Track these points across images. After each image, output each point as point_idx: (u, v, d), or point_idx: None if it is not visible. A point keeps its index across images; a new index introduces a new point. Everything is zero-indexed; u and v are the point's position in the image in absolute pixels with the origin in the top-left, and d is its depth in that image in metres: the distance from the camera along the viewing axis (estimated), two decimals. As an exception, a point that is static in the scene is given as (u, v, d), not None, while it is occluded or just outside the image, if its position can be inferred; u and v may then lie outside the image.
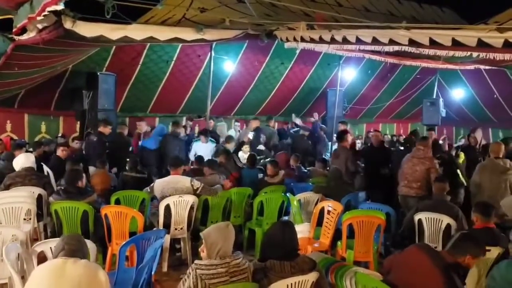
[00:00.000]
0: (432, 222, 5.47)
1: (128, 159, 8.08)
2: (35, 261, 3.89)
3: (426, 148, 6.85)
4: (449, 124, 15.99)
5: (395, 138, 15.51)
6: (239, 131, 12.46)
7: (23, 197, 5.66)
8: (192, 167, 8.33)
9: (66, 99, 11.02)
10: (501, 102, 14.48)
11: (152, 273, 4.36)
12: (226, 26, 7.48)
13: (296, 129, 12.13)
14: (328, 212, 5.91)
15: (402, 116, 17.79)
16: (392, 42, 5.97)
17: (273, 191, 6.90)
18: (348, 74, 14.02)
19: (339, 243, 5.69)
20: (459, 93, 15.37)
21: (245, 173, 7.96)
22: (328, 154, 11.26)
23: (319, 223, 6.02)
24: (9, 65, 7.13)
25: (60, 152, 8.05)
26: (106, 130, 8.69)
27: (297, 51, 9.25)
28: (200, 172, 7.24)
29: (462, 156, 8.42)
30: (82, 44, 7.10)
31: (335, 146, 10.87)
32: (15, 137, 10.78)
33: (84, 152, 8.88)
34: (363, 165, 8.77)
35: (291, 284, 3.29)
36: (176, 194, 5.98)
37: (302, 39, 7.13)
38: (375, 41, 6.16)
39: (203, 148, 9.70)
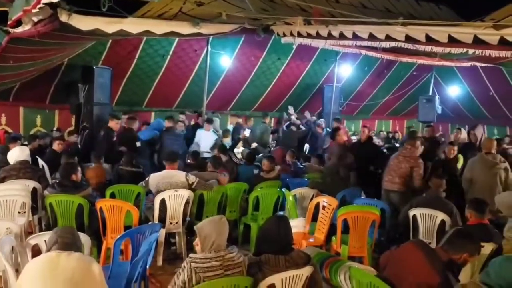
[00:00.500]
0: (427, 218, 5.49)
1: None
2: (29, 254, 3.88)
3: (413, 148, 6.88)
4: (445, 121, 16.04)
5: (390, 135, 15.58)
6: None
7: (17, 190, 5.63)
8: (188, 161, 8.33)
9: (62, 92, 10.98)
10: (496, 99, 14.53)
11: (147, 267, 4.37)
12: (222, 20, 7.45)
13: (287, 123, 12.00)
14: (323, 207, 5.92)
15: (398, 113, 17.84)
16: (388, 38, 5.97)
17: (268, 186, 6.91)
18: (345, 70, 14.04)
19: (333, 238, 5.71)
20: (455, 90, 15.40)
21: (242, 170, 7.96)
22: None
23: (314, 218, 6.04)
24: (4, 58, 7.10)
25: (56, 146, 8.03)
26: (114, 124, 8.58)
27: (294, 46, 9.25)
28: (195, 167, 7.23)
29: (461, 160, 8.29)
30: (77, 38, 7.06)
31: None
32: (10, 130, 10.73)
33: (80, 146, 8.86)
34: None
35: (286, 278, 3.30)
36: (171, 189, 5.98)
37: (299, 34, 7.12)
38: (371, 37, 6.16)
39: (205, 137, 9.75)
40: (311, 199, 6.49)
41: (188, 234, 6.16)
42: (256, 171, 7.83)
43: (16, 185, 5.87)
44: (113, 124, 8.54)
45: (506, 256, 3.62)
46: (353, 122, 17.19)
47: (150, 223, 5.77)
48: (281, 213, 6.54)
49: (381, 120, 18.09)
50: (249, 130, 11.67)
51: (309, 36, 7.11)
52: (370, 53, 9.87)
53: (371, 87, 15.81)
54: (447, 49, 6.02)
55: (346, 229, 5.51)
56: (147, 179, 6.30)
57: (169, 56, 11.47)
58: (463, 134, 9.63)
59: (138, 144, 8.76)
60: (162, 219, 5.88)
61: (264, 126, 11.19)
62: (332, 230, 5.75)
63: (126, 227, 5.31)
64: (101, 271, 3.11)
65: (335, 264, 4.16)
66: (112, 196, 6.14)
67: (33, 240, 3.98)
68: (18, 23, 6.16)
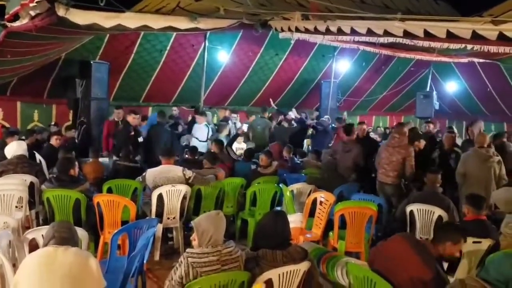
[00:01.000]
0: (424, 214, 5.50)
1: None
2: (27, 248, 3.87)
3: (401, 136, 6.86)
4: (442, 117, 16.05)
5: (387, 131, 15.57)
6: (234, 122, 12.44)
7: (15, 185, 5.61)
8: (186, 156, 8.31)
9: (59, 87, 10.97)
10: (494, 95, 14.56)
11: (144, 261, 4.36)
12: (220, 15, 7.43)
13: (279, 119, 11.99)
14: (321, 203, 5.92)
15: (396, 109, 17.85)
16: (387, 33, 5.96)
17: (266, 182, 6.91)
18: (342, 66, 14.05)
19: (331, 233, 5.71)
20: (452, 86, 15.43)
21: (240, 166, 7.95)
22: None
23: (312, 214, 6.04)
24: (1, 52, 7.08)
25: (54, 140, 8.01)
26: (131, 119, 8.76)
27: (292, 42, 9.25)
28: (193, 162, 7.22)
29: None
30: (75, 32, 7.04)
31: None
32: (7, 125, 10.71)
33: (77, 140, 8.85)
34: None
35: (283, 273, 3.29)
36: (168, 184, 5.98)
37: (297, 30, 7.11)
38: (370, 32, 6.14)
39: (198, 129, 9.83)
40: (309, 194, 6.49)
41: (185, 229, 6.16)
42: (253, 167, 7.83)
43: (13, 179, 5.84)
44: (131, 119, 8.78)
45: (504, 252, 3.64)
46: (350, 118, 17.19)
47: (147, 218, 5.77)
48: (278, 208, 6.54)
49: (379, 116, 18.10)
50: (246, 125, 11.63)
51: (307, 31, 7.09)
52: (368, 49, 9.88)
53: (369, 82, 15.82)
54: (446, 45, 6.01)
55: (343, 224, 5.51)
56: (144, 174, 6.29)
57: (166, 51, 11.46)
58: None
59: (140, 139, 8.90)
60: (160, 214, 5.87)
61: (265, 122, 11.07)
62: (329, 226, 5.76)
63: (123, 222, 5.29)
64: (98, 265, 3.11)
65: (332, 260, 4.16)
66: (109, 191, 6.13)
67: (30, 235, 3.97)
68: (16, 17, 6.14)
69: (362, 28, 6.19)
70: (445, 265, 4.37)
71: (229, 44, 12.02)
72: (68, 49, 9.61)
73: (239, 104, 14.67)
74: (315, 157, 8.65)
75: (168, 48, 11.36)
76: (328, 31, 6.69)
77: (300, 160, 9.21)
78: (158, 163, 6.41)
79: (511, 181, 6.65)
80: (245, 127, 11.55)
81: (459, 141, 9.05)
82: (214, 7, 7.26)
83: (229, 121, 11.23)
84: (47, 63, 9.70)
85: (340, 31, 6.55)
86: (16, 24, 6.22)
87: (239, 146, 9.84)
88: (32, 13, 5.83)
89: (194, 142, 9.57)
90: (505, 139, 8.44)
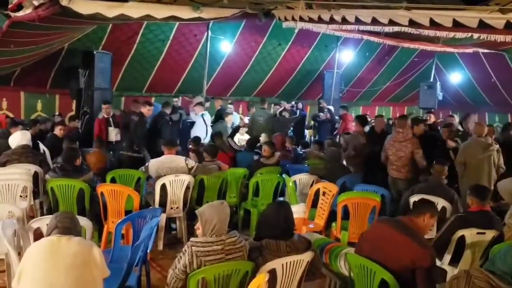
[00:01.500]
0: (427, 205, 5.48)
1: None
2: (32, 237, 3.89)
3: (404, 129, 6.82)
4: (446, 107, 15.97)
5: (391, 121, 15.53)
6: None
7: (19, 174, 5.62)
8: (190, 147, 8.31)
9: (62, 77, 10.95)
10: (498, 86, 14.47)
11: (148, 251, 4.38)
12: (223, 4, 7.39)
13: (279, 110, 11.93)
14: (323, 193, 5.92)
15: (399, 99, 17.79)
16: (392, 22, 5.90)
17: (268, 172, 6.91)
18: (346, 56, 13.98)
19: (333, 224, 5.72)
20: (456, 77, 15.35)
21: (242, 156, 7.94)
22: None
23: (314, 204, 6.03)
24: (5, 42, 7.05)
25: (58, 131, 8.02)
26: (146, 110, 8.79)
27: (295, 31, 9.19)
28: (196, 153, 7.22)
29: None
30: (78, 22, 7.02)
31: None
32: (11, 115, 10.75)
33: (80, 131, 8.85)
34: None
35: (287, 263, 3.30)
36: (171, 173, 5.98)
37: (301, 19, 7.06)
38: (374, 21, 6.09)
39: (198, 121, 9.98)
40: (311, 185, 6.49)
41: (188, 219, 6.18)
42: (256, 158, 7.82)
43: (18, 169, 5.86)
44: (145, 110, 8.80)
45: (510, 243, 3.65)
46: (353, 108, 17.15)
47: (150, 207, 5.78)
48: (281, 199, 6.55)
49: (382, 106, 18.04)
50: (248, 118, 11.59)
51: (310, 20, 7.04)
52: (372, 38, 9.79)
53: (372, 73, 15.75)
54: (451, 34, 5.95)
55: (346, 215, 5.52)
56: (147, 164, 6.31)
57: (169, 41, 11.42)
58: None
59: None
60: (163, 204, 5.89)
61: (265, 112, 11.00)
62: (332, 216, 5.76)
63: (127, 212, 5.32)
64: (102, 255, 3.12)
65: (335, 250, 4.16)
66: (113, 181, 6.16)
67: (35, 224, 3.99)
68: (19, 7, 6.10)
69: (367, 17, 6.13)
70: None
71: (232, 34, 11.97)
72: (71, 39, 9.58)
73: (241, 94, 14.63)
74: (317, 148, 8.63)
75: (170, 38, 11.32)
76: (332, 20, 6.64)
77: (302, 150, 9.20)
78: (160, 154, 6.42)
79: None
80: (246, 119, 11.52)
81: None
82: (217, -4, 7.22)
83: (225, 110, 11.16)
84: (50, 53, 9.68)
85: (344, 20, 6.49)
86: (20, 14, 6.18)
87: (242, 138, 9.81)
88: (36, 2, 5.80)
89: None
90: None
